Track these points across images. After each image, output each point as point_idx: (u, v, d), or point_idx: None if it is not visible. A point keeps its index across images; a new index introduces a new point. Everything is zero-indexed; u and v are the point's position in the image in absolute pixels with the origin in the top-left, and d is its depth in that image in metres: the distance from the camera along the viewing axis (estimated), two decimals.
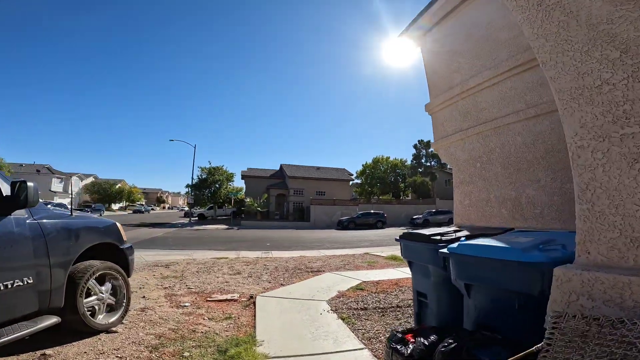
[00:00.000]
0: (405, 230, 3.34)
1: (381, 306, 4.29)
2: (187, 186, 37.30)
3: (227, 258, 9.67)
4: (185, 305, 4.61)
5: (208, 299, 4.94)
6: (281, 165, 44.05)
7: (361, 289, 5.19)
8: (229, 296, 4.99)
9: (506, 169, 5.07)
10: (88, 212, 40.33)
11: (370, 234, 21.24)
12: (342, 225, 27.72)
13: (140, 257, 9.93)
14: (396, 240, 3.39)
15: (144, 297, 4.98)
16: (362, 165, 48.60)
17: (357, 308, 4.22)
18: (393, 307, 4.26)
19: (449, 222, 30.17)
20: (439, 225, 30.52)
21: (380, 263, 8.45)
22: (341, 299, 4.66)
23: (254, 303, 4.55)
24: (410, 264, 3.29)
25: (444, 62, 6.68)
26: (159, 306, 4.55)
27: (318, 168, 44.88)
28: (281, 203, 39.94)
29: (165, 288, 5.62)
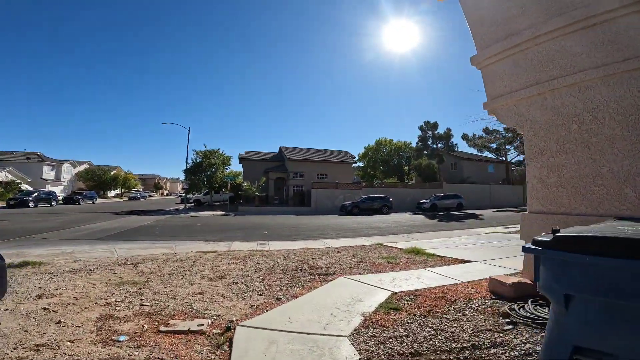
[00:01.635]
0: (566, 232, 1.53)
1: (444, 347, 2.56)
2: (184, 171, 35.42)
3: (214, 252, 7.98)
4: (118, 340, 2.90)
5: (162, 327, 3.21)
6: (280, 148, 42.05)
7: (396, 309, 3.46)
8: (195, 324, 3.26)
9: (632, 130, 3.18)
10: (79, 199, 38.77)
11: (377, 220, 19.58)
12: (345, 211, 26.04)
13: (112, 251, 8.30)
14: (527, 250, 1.61)
15: (59, 322, 3.26)
16: (365, 147, 46.60)
17: (404, 353, 2.48)
18: (466, 347, 2.52)
19: (458, 208, 28.66)
20: (447, 210, 28.88)
21: (402, 259, 6.74)
22: (371, 330, 2.92)
23: (231, 340, 2.82)
24: (567, 299, 1.50)
25: (497, 6, 4.91)
26: (73, 341, 2.84)
27: (319, 150, 42.91)
28: (280, 187, 38.19)
29: (108, 304, 3.91)
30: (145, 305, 3.91)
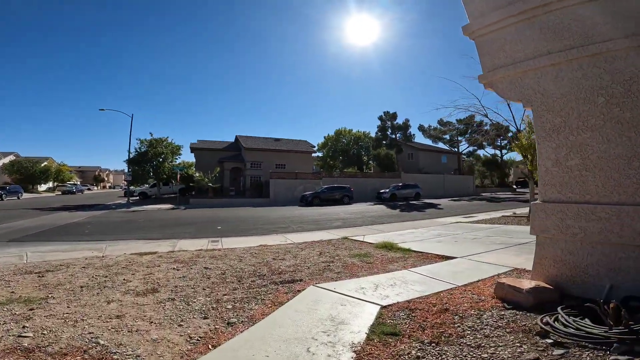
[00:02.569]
0: None
1: None
2: (126, 161, 31.88)
3: (153, 254, 6.62)
4: None
5: None
6: (236, 137, 39.89)
7: (395, 334, 2.53)
8: None
9: None
10: (1, 194, 33.53)
11: (339, 211, 18.91)
12: (305, 201, 25.12)
13: (22, 256, 6.61)
14: None
15: None
16: (324, 137, 45.95)
17: None
18: None
19: (416, 197, 29.05)
20: (406, 199, 29.15)
21: (376, 257, 5.92)
22: None
23: None
24: None
25: None
26: None
27: (277, 139, 41.41)
28: (237, 178, 36.22)
29: None
30: (26, 336, 2.63)
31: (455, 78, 22.78)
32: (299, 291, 3.74)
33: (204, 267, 5.19)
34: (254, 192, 32.48)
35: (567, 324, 2.38)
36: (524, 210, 15.83)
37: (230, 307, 3.36)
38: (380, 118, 39.55)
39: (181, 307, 3.41)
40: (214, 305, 3.42)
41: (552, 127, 3.36)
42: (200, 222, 13.95)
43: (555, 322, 2.46)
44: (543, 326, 2.43)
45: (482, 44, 4.12)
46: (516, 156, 56.39)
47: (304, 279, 4.29)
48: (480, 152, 49.06)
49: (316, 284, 3.98)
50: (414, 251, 6.31)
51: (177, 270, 5.10)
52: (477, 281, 3.93)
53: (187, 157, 45.00)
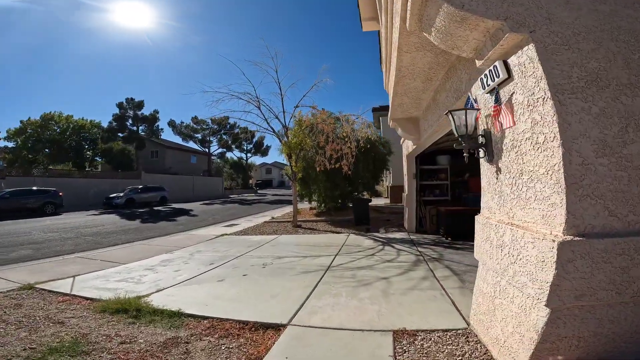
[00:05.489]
0: None
1: None
2: None
3: None
4: None
5: None
6: None
7: None
8: None
9: None
10: None
11: (33, 228, 11.78)
12: None
13: None
14: None
15: None
16: (22, 122, 30.74)
17: None
18: None
19: (161, 202, 24.41)
20: (148, 205, 23.70)
21: (108, 351, 2.40)
22: None
23: None
24: None
25: None
26: None
27: None
28: None
29: None
30: None
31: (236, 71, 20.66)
32: None
33: None
34: None
35: None
36: (278, 213, 15.74)
37: None
38: (119, 105, 31.07)
39: None
40: None
41: (586, 76, 1.62)
42: None
43: None
44: None
45: None
46: (256, 160, 61.89)
47: None
48: (229, 155, 50.06)
49: None
50: (191, 315, 3.20)
51: None
52: None
53: None
